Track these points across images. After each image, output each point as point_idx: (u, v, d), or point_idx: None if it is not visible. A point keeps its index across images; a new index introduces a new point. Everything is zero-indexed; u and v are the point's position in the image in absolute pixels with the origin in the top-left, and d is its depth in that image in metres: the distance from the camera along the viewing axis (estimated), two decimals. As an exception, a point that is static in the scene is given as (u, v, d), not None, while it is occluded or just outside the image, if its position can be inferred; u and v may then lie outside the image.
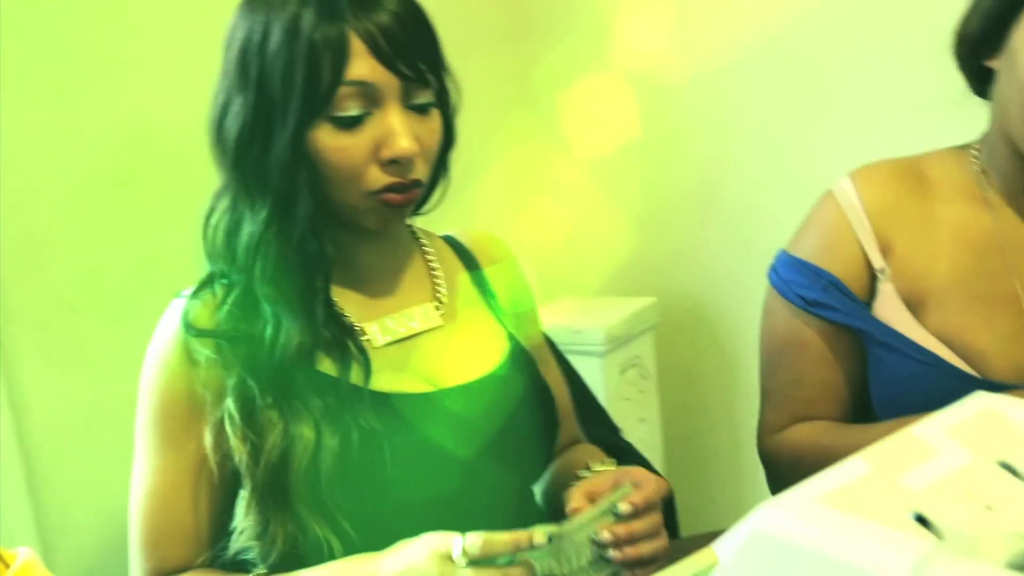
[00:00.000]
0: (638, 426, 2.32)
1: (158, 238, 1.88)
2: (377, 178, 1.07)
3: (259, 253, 1.08)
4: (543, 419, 1.21)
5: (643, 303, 2.36)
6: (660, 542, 1.02)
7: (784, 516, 0.65)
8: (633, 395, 2.31)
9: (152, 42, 1.87)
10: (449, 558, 0.92)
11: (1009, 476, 0.69)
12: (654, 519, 1.02)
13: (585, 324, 2.22)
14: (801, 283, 1.27)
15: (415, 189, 1.10)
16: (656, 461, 2.32)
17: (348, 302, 1.15)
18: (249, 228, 1.09)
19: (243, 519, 1.09)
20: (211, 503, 1.10)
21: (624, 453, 1.43)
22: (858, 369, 1.28)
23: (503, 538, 0.92)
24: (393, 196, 1.08)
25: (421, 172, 1.09)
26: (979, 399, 0.78)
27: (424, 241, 1.26)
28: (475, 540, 0.92)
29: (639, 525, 1.00)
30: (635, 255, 2.51)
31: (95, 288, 1.85)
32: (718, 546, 0.68)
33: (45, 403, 1.76)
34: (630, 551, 0.99)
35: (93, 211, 1.83)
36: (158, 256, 1.85)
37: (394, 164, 1.06)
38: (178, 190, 1.87)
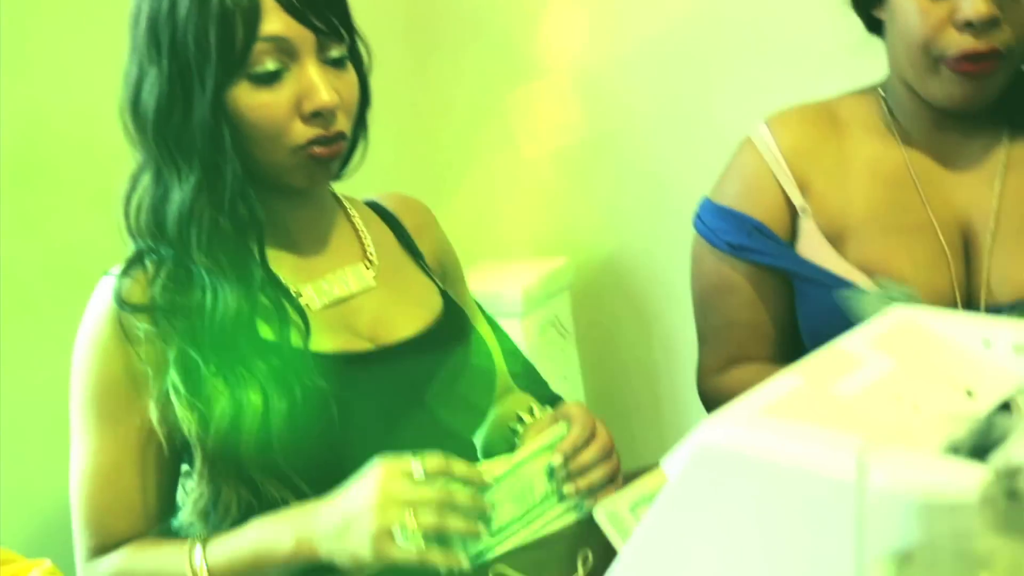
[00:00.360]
0: (560, 384, 2.35)
1: (65, 230, 1.85)
2: (301, 132, 1.08)
3: (191, 222, 1.08)
4: (481, 371, 1.23)
5: (556, 264, 2.39)
6: (611, 464, 1.06)
7: (727, 429, 0.68)
8: (553, 354, 2.35)
9: (47, 33, 1.83)
10: (409, 475, 0.97)
11: (931, 378, 0.73)
12: (601, 443, 1.06)
13: (501, 287, 2.25)
14: (726, 229, 1.31)
15: (339, 142, 1.11)
16: (579, 417, 2.36)
17: (282, 266, 1.16)
18: (178, 198, 1.08)
19: (192, 492, 1.10)
20: (157, 478, 1.11)
21: (557, 402, 1.47)
22: (787, 308, 1.33)
23: (460, 464, 0.99)
24: (319, 150, 1.09)
25: (343, 125, 1.11)
26: (898, 312, 0.82)
27: (348, 205, 1.27)
28: (435, 457, 0.99)
29: (586, 455, 1.04)
30: (545, 217, 2.54)
31: (3, 284, 1.81)
32: (665, 464, 0.71)
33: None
34: (582, 482, 1.03)
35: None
36: (67, 248, 1.82)
37: (317, 117, 1.08)
38: (83, 180, 1.84)
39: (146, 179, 1.11)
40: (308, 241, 1.20)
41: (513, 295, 2.24)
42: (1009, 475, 0.56)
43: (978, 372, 0.74)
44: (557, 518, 1.03)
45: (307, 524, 1.02)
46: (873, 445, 0.54)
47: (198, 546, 1.04)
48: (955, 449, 0.58)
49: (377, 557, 0.96)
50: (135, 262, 1.12)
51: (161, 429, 1.08)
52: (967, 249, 1.27)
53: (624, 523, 0.89)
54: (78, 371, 1.12)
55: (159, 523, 1.11)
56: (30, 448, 1.75)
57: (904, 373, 0.73)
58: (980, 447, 0.62)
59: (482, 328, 1.32)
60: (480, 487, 1.00)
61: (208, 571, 1.03)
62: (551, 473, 1.04)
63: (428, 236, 1.32)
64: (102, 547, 1.10)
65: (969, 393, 0.73)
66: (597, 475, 1.05)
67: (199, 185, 1.08)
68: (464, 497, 0.99)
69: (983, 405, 0.71)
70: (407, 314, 1.21)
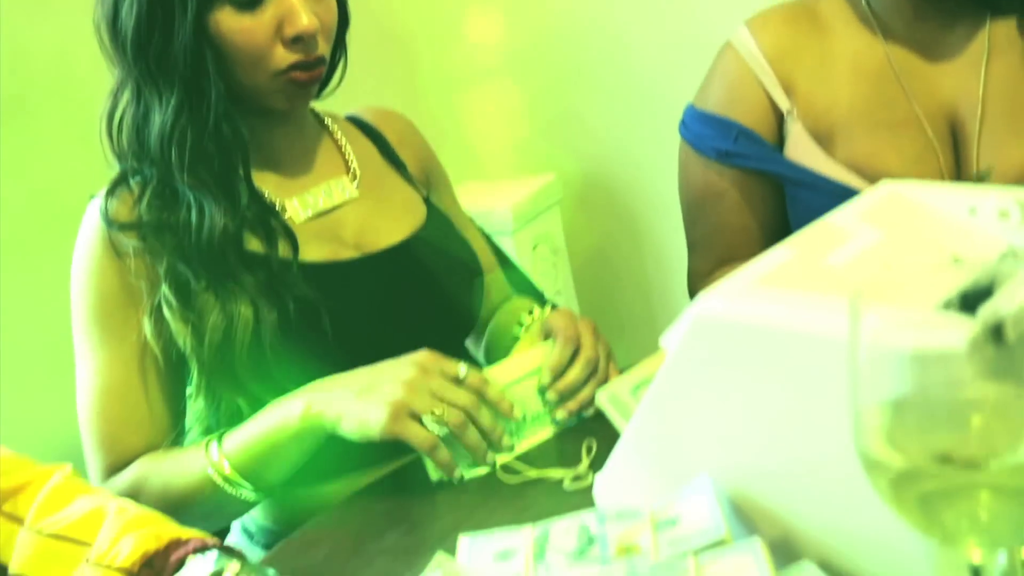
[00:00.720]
0: (554, 299, 2.38)
1: (49, 167, 1.85)
2: (282, 57, 1.09)
3: (173, 141, 1.09)
4: (467, 275, 1.25)
5: (544, 180, 2.40)
6: (598, 379, 1.09)
7: (723, 300, 0.70)
8: (546, 270, 2.36)
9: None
10: (449, 375, 1.02)
11: (919, 246, 0.75)
12: (585, 357, 1.08)
13: (491, 206, 2.25)
14: (712, 135, 1.31)
15: (320, 67, 1.12)
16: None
17: (266, 184, 1.17)
18: (159, 118, 1.09)
19: (194, 409, 1.12)
20: (162, 390, 1.12)
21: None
22: (776, 211, 1.33)
23: (494, 388, 1.04)
24: (299, 74, 1.10)
25: (324, 49, 1.12)
26: (885, 187, 0.83)
27: (328, 121, 1.28)
28: (477, 372, 1.04)
29: (571, 375, 1.07)
30: (532, 135, 2.54)
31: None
32: (664, 340, 0.73)
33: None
34: (572, 405, 1.06)
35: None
36: (52, 186, 1.82)
37: (298, 42, 1.08)
38: (63, 114, 1.84)
39: (126, 97, 1.12)
40: (291, 158, 1.21)
41: (503, 213, 2.25)
42: (995, 324, 0.58)
43: (965, 239, 0.76)
44: (551, 431, 1.07)
45: (319, 387, 1.03)
46: (864, 302, 0.56)
47: (214, 441, 1.06)
48: (945, 307, 0.60)
49: (389, 425, 0.97)
50: (120, 182, 1.13)
51: (157, 344, 1.10)
52: (955, 140, 1.28)
53: (626, 405, 0.92)
54: (76, 292, 1.13)
55: (169, 438, 1.13)
56: (32, 380, 1.77)
57: (892, 243, 0.75)
58: (968, 306, 0.64)
59: (471, 233, 1.33)
60: (504, 415, 1.03)
61: (226, 457, 1.04)
62: (543, 392, 1.07)
63: (410, 146, 1.33)
64: (115, 465, 1.11)
65: (956, 259, 0.75)
66: (585, 393, 1.08)
67: (180, 106, 1.08)
68: (487, 419, 1.01)
69: (972, 270, 0.74)
70: (391, 222, 1.22)
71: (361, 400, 0.99)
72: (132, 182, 1.13)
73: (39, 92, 1.85)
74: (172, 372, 1.12)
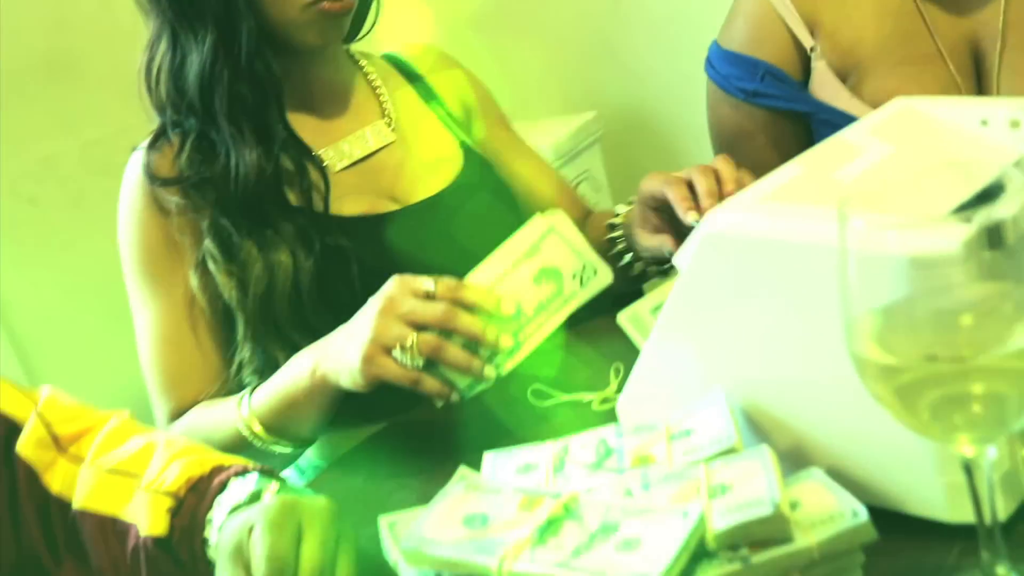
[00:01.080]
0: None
1: (101, 121, 1.90)
2: None
3: (212, 84, 1.11)
4: (507, 219, 1.26)
5: (585, 118, 2.40)
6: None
7: (733, 215, 0.71)
8: (588, 207, 2.37)
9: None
10: (419, 292, 0.94)
11: (929, 158, 0.76)
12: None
13: (532, 143, 2.26)
14: (739, 76, 1.31)
15: None
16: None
17: (303, 128, 1.18)
18: (197, 61, 1.11)
19: (243, 357, 1.15)
20: (212, 339, 1.16)
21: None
22: (804, 148, 1.33)
23: (473, 289, 0.95)
24: (328, 4, 1.11)
25: None
26: (897, 102, 0.84)
27: (363, 62, 1.29)
28: (449, 279, 0.95)
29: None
30: (572, 73, 2.54)
31: (50, 178, 1.88)
32: (676, 259, 0.75)
33: (24, 298, 1.81)
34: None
35: (34, 101, 1.85)
36: (104, 138, 1.87)
37: None
38: (112, 70, 1.88)
39: (162, 47, 1.14)
40: (326, 102, 1.22)
41: (544, 151, 2.25)
42: (992, 228, 0.59)
43: (976, 149, 0.77)
44: (549, 325, 0.97)
45: (320, 346, 1.02)
46: (852, 208, 0.57)
47: (246, 396, 1.08)
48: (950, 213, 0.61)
49: (365, 369, 0.93)
50: (160, 136, 1.16)
51: (203, 296, 1.13)
52: (978, 73, 1.27)
53: (645, 324, 0.94)
54: (123, 246, 1.17)
55: (222, 385, 1.15)
56: (91, 332, 1.84)
57: (902, 156, 0.76)
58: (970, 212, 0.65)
59: (531, 161, 1.36)
60: (492, 315, 0.93)
61: (254, 414, 1.06)
62: (539, 278, 0.97)
63: (447, 79, 1.34)
64: (176, 412, 1.15)
65: (959, 165, 0.75)
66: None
67: (215, 45, 1.10)
68: (468, 323, 0.92)
69: (980, 178, 0.74)
70: (428, 170, 1.24)
71: (343, 354, 0.96)
72: (172, 135, 1.16)
73: (85, 45, 1.89)
74: (220, 322, 1.15)
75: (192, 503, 0.85)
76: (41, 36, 1.87)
